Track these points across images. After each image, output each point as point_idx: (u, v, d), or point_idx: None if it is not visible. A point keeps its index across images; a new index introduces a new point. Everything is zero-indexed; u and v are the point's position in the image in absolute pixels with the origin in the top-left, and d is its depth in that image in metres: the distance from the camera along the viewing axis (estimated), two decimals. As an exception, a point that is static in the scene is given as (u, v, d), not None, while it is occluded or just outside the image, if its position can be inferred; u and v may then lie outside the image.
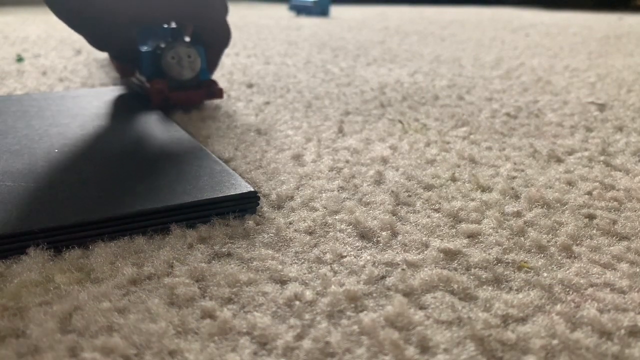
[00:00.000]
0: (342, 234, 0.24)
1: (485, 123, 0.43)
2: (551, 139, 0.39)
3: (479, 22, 1.43)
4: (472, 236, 0.24)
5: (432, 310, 0.19)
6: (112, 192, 0.25)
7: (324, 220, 0.25)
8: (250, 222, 0.25)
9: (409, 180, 0.31)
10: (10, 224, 0.22)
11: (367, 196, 0.28)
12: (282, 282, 0.21)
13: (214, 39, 0.45)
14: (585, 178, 0.31)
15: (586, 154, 0.36)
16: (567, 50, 0.88)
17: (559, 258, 0.23)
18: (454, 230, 0.25)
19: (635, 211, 0.27)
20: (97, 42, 0.42)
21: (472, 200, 0.28)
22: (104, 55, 0.74)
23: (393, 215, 0.26)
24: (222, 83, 0.57)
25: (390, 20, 1.46)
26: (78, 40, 0.92)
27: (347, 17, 1.55)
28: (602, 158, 0.35)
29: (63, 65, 0.67)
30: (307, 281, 0.21)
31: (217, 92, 0.44)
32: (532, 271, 0.22)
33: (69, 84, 0.56)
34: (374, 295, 0.20)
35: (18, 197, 0.24)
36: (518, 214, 0.27)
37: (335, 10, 1.82)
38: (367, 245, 0.23)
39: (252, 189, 0.26)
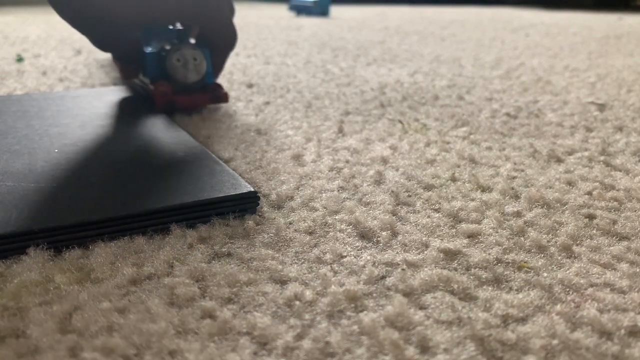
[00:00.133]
0: (342, 234, 0.24)
1: (485, 123, 0.43)
2: (551, 139, 0.39)
3: (479, 22, 1.43)
4: (472, 236, 0.24)
5: (432, 310, 0.19)
6: (112, 192, 0.25)
7: (324, 220, 0.25)
8: (250, 222, 0.25)
9: (409, 180, 0.31)
10: (10, 224, 0.22)
11: (367, 196, 0.28)
12: (282, 282, 0.21)
13: (220, 41, 0.44)
14: (585, 178, 0.31)
15: (586, 154, 0.36)
16: (567, 50, 0.88)
17: (559, 258, 0.23)
18: (454, 230, 0.25)
19: (635, 211, 0.27)
20: (100, 42, 0.41)
21: (472, 200, 0.28)
22: (104, 56, 0.74)
23: (393, 215, 0.26)
24: (222, 83, 0.57)
25: (390, 20, 1.46)
26: (78, 40, 0.92)
27: (347, 17, 1.55)
28: (602, 158, 0.35)
29: (63, 65, 0.67)
30: (307, 281, 0.21)
31: (223, 97, 0.44)
32: (532, 271, 0.22)
33: (69, 84, 0.56)
34: (374, 295, 0.20)
35: (18, 197, 0.24)
36: (518, 214, 0.27)
37: (335, 10, 1.82)
38: (367, 245, 0.23)
39: (252, 189, 0.26)
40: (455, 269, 0.22)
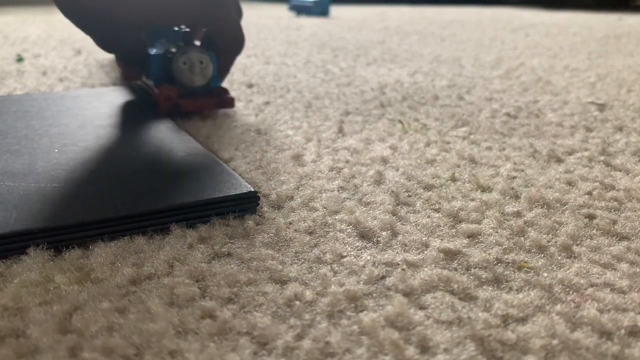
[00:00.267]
0: (342, 234, 0.24)
1: (485, 123, 0.43)
2: (551, 139, 0.39)
3: (479, 22, 1.43)
4: (472, 236, 0.24)
5: (432, 310, 0.19)
6: (112, 192, 0.25)
7: (324, 220, 0.25)
8: (250, 222, 0.25)
9: (409, 180, 0.31)
10: (10, 224, 0.22)
11: (367, 196, 0.28)
12: (282, 282, 0.21)
13: (227, 45, 0.43)
14: (585, 178, 0.31)
15: (586, 154, 0.36)
16: (567, 50, 0.88)
17: (559, 258, 0.23)
18: (454, 230, 0.25)
19: (635, 211, 0.27)
20: (105, 43, 0.40)
21: (472, 200, 0.28)
22: (104, 56, 0.74)
23: (393, 215, 0.26)
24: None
25: (390, 20, 1.46)
26: (78, 40, 0.92)
27: (347, 17, 1.55)
28: (602, 158, 0.35)
29: (63, 65, 0.67)
30: (307, 281, 0.21)
31: (229, 102, 0.43)
32: (532, 271, 0.22)
33: (69, 84, 0.56)
34: (374, 295, 0.20)
35: (18, 197, 0.24)
36: (518, 214, 0.27)
37: (335, 10, 1.82)
38: (367, 245, 0.23)
39: (252, 189, 0.26)
40: (455, 269, 0.22)
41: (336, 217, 0.26)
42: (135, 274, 0.21)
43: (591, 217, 0.27)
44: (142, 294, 0.19)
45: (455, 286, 0.20)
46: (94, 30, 0.39)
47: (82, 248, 0.22)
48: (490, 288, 0.20)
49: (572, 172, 0.32)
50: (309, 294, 0.20)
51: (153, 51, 0.42)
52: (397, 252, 0.23)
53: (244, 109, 0.46)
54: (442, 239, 0.24)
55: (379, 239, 0.24)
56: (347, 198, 0.28)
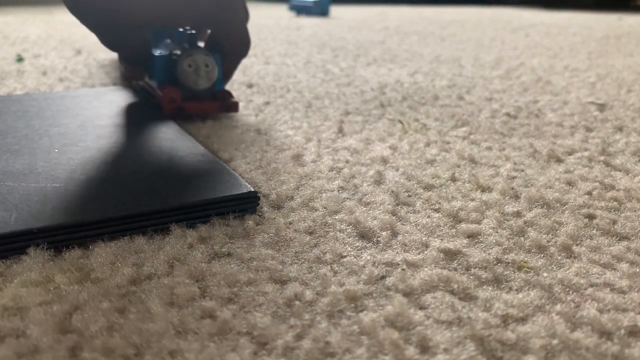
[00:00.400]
0: (342, 234, 0.24)
1: (485, 123, 0.43)
2: (551, 139, 0.39)
3: (479, 22, 1.43)
4: (472, 236, 0.24)
5: (432, 310, 0.19)
6: (112, 192, 0.25)
7: (324, 220, 0.25)
8: (250, 222, 0.25)
9: (409, 180, 0.31)
10: (10, 224, 0.22)
11: (367, 196, 0.28)
12: (282, 282, 0.21)
13: (233, 47, 0.41)
14: (585, 178, 0.31)
15: (586, 154, 0.36)
16: (567, 50, 0.88)
17: (559, 258, 0.23)
18: (454, 230, 0.25)
19: (635, 211, 0.27)
20: (110, 41, 0.39)
21: (472, 200, 0.28)
22: (104, 56, 0.74)
23: (393, 215, 0.26)
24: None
25: (390, 20, 1.46)
26: (78, 40, 0.92)
27: (347, 17, 1.55)
28: (602, 158, 0.35)
29: (63, 65, 0.67)
30: (307, 281, 0.21)
31: (233, 106, 0.42)
32: (532, 271, 0.22)
33: (69, 84, 0.56)
34: (374, 295, 0.20)
35: (18, 197, 0.24)
36: (518, 214, 0.27)
37: (335, 10, 1.82)
38: (367, 245, 0.23)
39: (252, 189, 0.26)
40: (455, 269, 0.22)
41: (336, 217, 0.26)
42: (135, 274, 0.21)
43: (591, 217, 0.27)
44: (142, 294, 0.19)
45: (455, 286, 0.20)
46: (100, 28, 0.38)
47: (82, 248, 0.22)
48: (490, 288, 0.20)
49: (572, 172, 0.32)
50: (309, 294, 0.20)
51: (157, 52, 0.41)
52: (397, 252, 0.23)
53: (244, 109, 0.46)
54: (442, 239, 0.24)
55: (379, 239, 0.24)
56: (347, 198, 0.28)
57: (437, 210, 0.27)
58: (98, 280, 0.20)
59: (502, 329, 0.18)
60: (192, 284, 0.20)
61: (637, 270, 0.22)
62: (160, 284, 0.20)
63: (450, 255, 0.23)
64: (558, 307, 0.19)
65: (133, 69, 0.45)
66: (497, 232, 0.25)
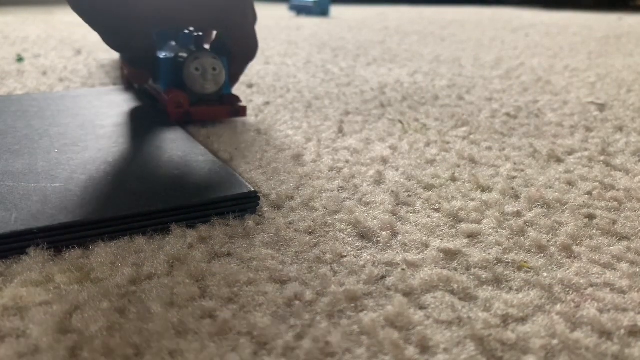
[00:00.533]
0: (342, 234, 0.24)
1: (485, 123, 0.43)
2: (551, 139, 0.39)
3: (479, 22, 1.43)
4: (472, 236, 0.24)
5: (432, 310, 0.19)
6: (112, 192, 0.25)
7: (324, 220, 0.25)
8: (250, 222, 0.25)
9: (409, 180, 0.31)
10: (10, 224, 0.22)
11: (367, 196, 0.28)
12: (282, 282, 0.21)
13: (241, 50, 0.40)
14: (585, 178, 0.31)
15: (586, 154, 0.36)
16: (567, 50, 0.88)
17: (559, 258, 0.23)
18: (454, 230, 0.25)
19: (635, 211, 0.27)
20: (114, 41, 0.39)
21: (472, 200, 0.28)
22: (104, 56, 0.74)
23: (393, 215, 0.26)
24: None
25: (390, 20, 1.46)
26: (78, 40, 0.92)
27: (347, 17, 1.55)
28: (602, 158, 0.35)
29: (63, 65, 0.67)
30: (307, 281, 0.21)
31: (241, 111, 0.41)
32: (532, 271, 0.22)
33: (69, 84, 0.56)
34: (374, 295, 0.20)
35: (18, 197, 0.24)
36: (518, 214, 0.27)
37: (335, 10, 1.82)
38: (367, 245, 0.23)
39: (252, 189, 0.26)
40: (455, 269, 0.22)
41: (336, 217, 0.26)
42: (135, 274, 0.21)
43: (591, 217, 0.27)
44: (142, 294, 0.19)
45: (455, 286, 0.20)
46: (104, 29, 0.37)
47: (82, 248, 0.22)
48: (490, 288, 0.20)
49: (572, 172, 0.32)
50: (308, 294, 0.20)
51: (162, 54, 0.40)
52: (397, 252, 0.23)
53: (244, 109, 0.46)
54: (442, 239, 0.24)
55: (379, 239, 0.24)
56: (347, 198, 0.28)
57: (437, 210, 0.27)
58: (98, 280, 0.20)
59: (502, 329, 0.18)
60: (192, 284, 0.20)
61: (637, 270, 0.22)
62: (160, 284, 0.20)
63: (450, 255, 0.23)
64: (558, 307, 0.19)
65: (137, 71, 0.43)
66: (497, 232, 0.25)
